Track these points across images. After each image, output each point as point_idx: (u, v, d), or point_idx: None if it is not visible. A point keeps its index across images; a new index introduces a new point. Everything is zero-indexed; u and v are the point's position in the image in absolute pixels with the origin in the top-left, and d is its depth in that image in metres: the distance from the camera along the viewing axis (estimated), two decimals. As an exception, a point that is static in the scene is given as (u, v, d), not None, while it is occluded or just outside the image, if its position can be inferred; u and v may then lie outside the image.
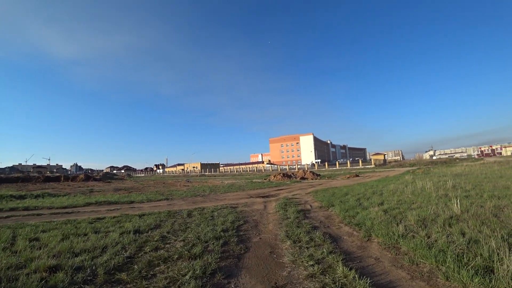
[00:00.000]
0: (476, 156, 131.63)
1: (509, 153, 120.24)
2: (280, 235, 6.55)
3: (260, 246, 5.91)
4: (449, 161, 70.47)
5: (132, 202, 14.90)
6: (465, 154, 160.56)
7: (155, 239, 6.34)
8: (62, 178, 49.51)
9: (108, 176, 70.32)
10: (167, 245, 5.92)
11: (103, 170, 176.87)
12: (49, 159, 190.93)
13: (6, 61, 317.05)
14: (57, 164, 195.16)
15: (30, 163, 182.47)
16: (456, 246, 4.71)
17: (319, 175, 36.97)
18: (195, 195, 17.79)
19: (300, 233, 6.42)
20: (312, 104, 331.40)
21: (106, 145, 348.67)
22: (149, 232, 7.04)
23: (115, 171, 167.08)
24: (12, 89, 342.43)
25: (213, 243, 5.90)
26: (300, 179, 32.43)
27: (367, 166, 70.67)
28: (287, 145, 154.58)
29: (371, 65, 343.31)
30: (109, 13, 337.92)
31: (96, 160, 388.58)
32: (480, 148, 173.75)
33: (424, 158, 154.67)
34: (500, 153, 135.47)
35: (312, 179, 32.66)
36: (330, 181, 26.66)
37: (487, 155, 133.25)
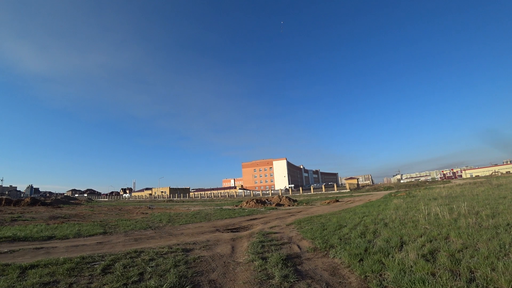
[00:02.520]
0: (439, 178, 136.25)
1: (468, 175, 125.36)
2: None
3: None
4: (420, 184, 70.68)
5: (51, 237, 10.90)
6: (430, 177, 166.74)
7: None
8: (3, 202, 43.00)
9: (61, 201, 62.89)
10: None
11: (63, 193, 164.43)
12: (1, 180, 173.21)
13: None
14: (10, 186, 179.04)
15: None
16: None
17: (295, 200, 33.89)
18: (146, 227, 13.89)
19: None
20: (285, 130, 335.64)
21: (70, 167, 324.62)
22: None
23: (76, 195, 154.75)
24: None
25: None
26: (275, 205, 29.10)
27: (342, 191, 68.97)
28: (260, 170, 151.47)
29: (339, 94, 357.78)
30: (85, 31, 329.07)
31: (58, 183, 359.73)
32: (442, 171, 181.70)
33: (392, 181, 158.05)
34: (461, 175, 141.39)
35: (289, 205, 29.43)
36: (310, 208, 23.55)
37: (449, 177, 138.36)
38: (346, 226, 10.37)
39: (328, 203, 28.77)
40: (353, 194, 48.89)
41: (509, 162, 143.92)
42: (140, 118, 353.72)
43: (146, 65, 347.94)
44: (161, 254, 7.19)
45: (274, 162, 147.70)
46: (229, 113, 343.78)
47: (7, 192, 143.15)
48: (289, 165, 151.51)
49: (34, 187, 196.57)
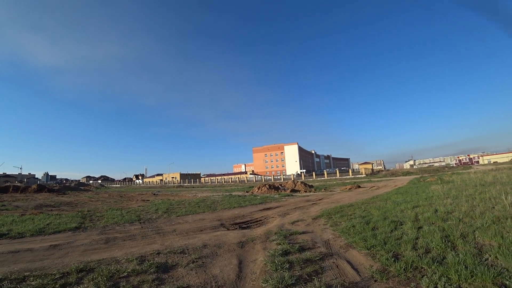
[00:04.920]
0: (454, 165, 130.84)
1: (485, 162, 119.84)
2: None
3: None
4: (439, 169, 66.53)
5: (2, 235, 8.20)
6: (444, 163, 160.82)
7: None
8: (11, 189, 42.04)
9: (71, 187, 62.05)
10: None
11: (79, 180, 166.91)
12: (20, 168, 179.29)
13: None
14: (29, 174, 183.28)
15: (0, 171, 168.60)
16: None
17: (312, 186, 30.84)
18: (135, 219, 11.11)
19: None
20: (296, 115, 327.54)
21: (85, 154, 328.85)
22: None
23: (91, 181, 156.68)
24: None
25: None
26: (290, 191, 26.13)
27: (357, 176, 65.48)
28: (271, 155, 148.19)
29: (351, 79, 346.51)
30: (95, 22, 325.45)
31: (75, 170, 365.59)
32: (458, 157, 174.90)
33: (405, 167, 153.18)
34: (478, 161, 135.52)
35: (305, 191, 26.41)
36: (331, 195, 20.46)
37: (465, 163, 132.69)
38: (402, 223, 7.26)
39: (350, 189, 25.63)
40: (371, 180, 45.50)
41: None
42: (151, 106, 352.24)
43: (156, 53, 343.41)
44: (118, 277, 4.29)
45: (286, 147, 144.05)
46: (239, 99, 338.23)
47: (25, 180, 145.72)
48: (301, 150, 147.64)
49: (51, 174, 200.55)
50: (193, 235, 7.70)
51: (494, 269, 3.79)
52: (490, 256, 4.41)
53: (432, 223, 6.98)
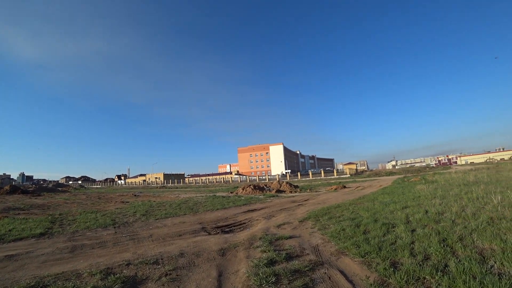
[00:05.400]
0: (434, 165, 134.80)
1: (463, 162, 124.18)
2: None
3: None
4: (421, 170, 67.98)
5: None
6: (424, 164, 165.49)
7: None
8: None
9: (47, 188, 59.19)
10: None
11: (58, 181, 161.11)
12: None
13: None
14: (4, 174, 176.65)
15: None
16: None
17: (297, 186, 30.51)
18: (110, 223, 10.30)
19: None
20: (282, 115, 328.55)
21: (66, 154, 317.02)
22: None
23: (70, 182, 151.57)
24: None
25: None
26: (275, 192, 25.66)
27: (342, 176, 65.95)
28: (257, 155, 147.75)
29: (336, 80, 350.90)
30: (80, 17, 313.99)
31: (53, 170, 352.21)
32: (437, 158, 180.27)
33: (387, 167, 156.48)
34: (456, 162, 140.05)
35: (291, 192, 26.02)
36: (317, 195, 20.12)
37: (445, 164, 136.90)
38: (394, 225, 6.88)
39: (335, 189, 25.43)
40: (356, 180, 45.76)
41: (501, 150, 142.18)
42: (137, 104, 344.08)
43: (143, 51, 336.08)
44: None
45: (271, 147, 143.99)
46: (226, 98, 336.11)
47: (0, 180, 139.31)
48: (286, 150, 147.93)
49: (27, 175, 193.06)
50: (171, 241, 7.04)
51: (506, 279, 3.38)
52: (495, 262, 4.02)
53: (425, 225, 6.62)
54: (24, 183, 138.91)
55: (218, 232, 8.01)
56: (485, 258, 4.25)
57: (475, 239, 5.11)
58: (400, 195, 14.04)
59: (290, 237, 6.59)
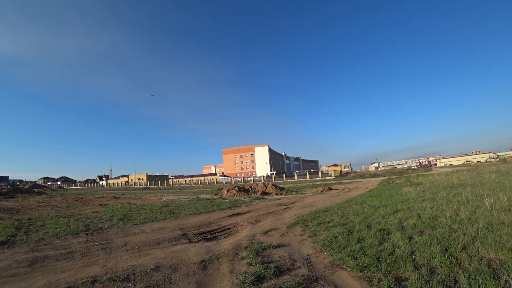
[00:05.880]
0: (415, 167, 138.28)
1: (442, 165, 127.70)
2: None
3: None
4: (403, 171, 69.14)
5: None
6: (406, 166, 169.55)
7: None
8: None
9: (21, 190, 56.26)
10: None
11: (35, 181, 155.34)
12: None
13: None
14: None
15: None
16: None
17: (283, 188, 30.09)
18: (82, 229, 9.47)
19: None
20: (267, 116, 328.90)
21: (44, 154, 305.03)
22: None
23: (49, 183, 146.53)
24: None
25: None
26: (261, 194, 25.12)
27: (327, 178, 66.15)
28: (242, 156, 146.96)
29: (320, 81, 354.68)
30: (60, 11, 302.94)
31: (31, 171, 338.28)
32: (418, 160, 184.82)
33: (370, 169, 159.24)
34: (436, 164, 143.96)
35: (277, 194, 25.56)
36: (303, 198, 19.70)
37: (425, 166, 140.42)
38: (389, 232, 6.45)
39: (322, 191, 25.14)
40: (341, 181, 45.87)
41: (478, 152, 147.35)
42: (119, 103, 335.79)
43: (126, 50, 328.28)
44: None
45: (256, 149, 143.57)
46: (211, 99, 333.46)
47: None
48: (271, 151, 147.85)
49: (2, 175, 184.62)
50: (147, 250, 6.36)
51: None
52: (508, 277, 3.61)
53: (421, 232, 6.23)
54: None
55: (200, 240, 7.37)
56: (496, 271, 3.84)
57: (479, 248, 4.71)
58: (388, 198, 13.79)
59: (279, 246, 6.05)
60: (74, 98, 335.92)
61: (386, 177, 43.80)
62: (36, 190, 61.30)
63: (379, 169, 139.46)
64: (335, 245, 5.67)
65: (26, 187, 76.53)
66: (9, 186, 77.02)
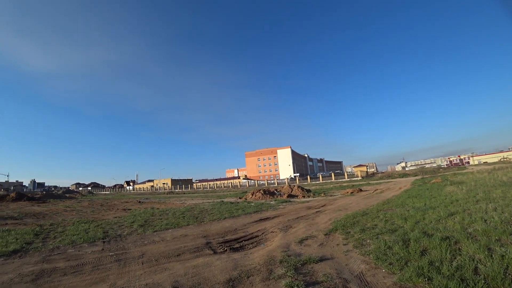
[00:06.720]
0: (445, 165, 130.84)
1: (476, 162, 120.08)
2: None
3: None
4: (435, 170, 65.23)
5: None
6: (435, 164, 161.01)
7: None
8: None
9: (54, 195, 58.59)
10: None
11: (68, 187, 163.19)
12: (7, 175, 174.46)
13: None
14: (16, 181, 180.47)
15: None
16: None
17: (309, 190, 28.73)
18: (100, 236, 8.84)
19: None
20: (288, 118, 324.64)
21: (76, 161, 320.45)
22: None
23: (80, 188, 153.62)
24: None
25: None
26: (286, 196, 23.99)
27: (353, 179, 63.67)
28: (264, 159, 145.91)
29: (340, 83, 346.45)
30: (86, 27, 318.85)
31: (64, 177, 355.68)
32: (448, 158, 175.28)
33: (396, 169, 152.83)
34: (469, 162, 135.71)
35: (304, 196, 24.31)
36: (333, 200, 18.38)
37: (456, 164, 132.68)
38: (457, 241, 5.21)
39: (352, 192, 23.64)
40: (370, 182, 43.71)
41: None
42: (142, 111, 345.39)
43: (147, 58, 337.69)
44: None
45: (278, 151, 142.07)
46: (231, 103, 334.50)
47: (12, 187, 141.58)
48: (294, 153, 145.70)
49: (39, 181, 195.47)
50: (165, 264, 5.49)
51: None
52: None
53: (499, 240, 4.97)
54: (34, 190, 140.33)
55: (226, 250, 6.43)
56: None
57: None
58: (432, 199, 12.32)
59: (321, 260, 4.97)
60: (100, 107, 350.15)
61: (419, 177, 41.18)
62: (67, 195, 63.55)
63: (406, 168, 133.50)
64: (393, 259, 4.52)
65: (59, 192, 79.75)
66: (43, 192, 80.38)
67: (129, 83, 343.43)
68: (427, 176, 41.97)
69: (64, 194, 68.24)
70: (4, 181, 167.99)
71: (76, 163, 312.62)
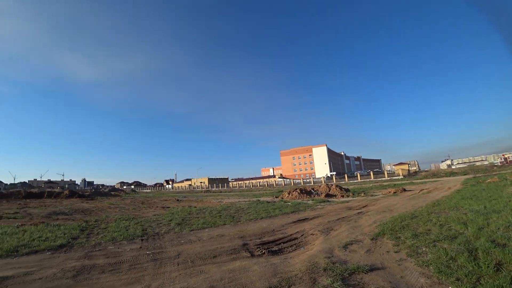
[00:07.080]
0: (499, 163, 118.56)
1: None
2: None
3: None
4: (489, 169, 59.61)
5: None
6: (486, 162, 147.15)
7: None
8: (45, 195, 44.19)
9: (101, 193, 62.80)
10: None
11: (114, 185, 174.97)
12: (63, 175, 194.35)
13: (32, 85, 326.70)
14: (70, 180, 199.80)
15: (45, 178, 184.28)
16: None
17: (348, 190, 27.53)
18: (139, 234, 8.97)
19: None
20: (323, 116, 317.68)
21: (120, 161, 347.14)
22: None
23: (124, 187, 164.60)
24: (38, 109, 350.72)
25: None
26: (324, 196, 23.13)
27: (394, 178, 60.33)
28: (299, 158, 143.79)
29: (376, 79, 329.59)
30: (127, 37, 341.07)
31: (110, 176, 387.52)
32: (503, 155, 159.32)
33: (441, 167, 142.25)
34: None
35: (342, 196, 23.31)
36: (375, 200, 17.30)
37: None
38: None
39: (395, 192, 22.20)
40: (413, 182, 41.02)
41: None
42: (180, 113, 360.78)
43: (183, 63, 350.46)
44: None
45: (314, 149, 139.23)
46: (265, 103, 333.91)
47: (66, 186, 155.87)
48: (330, 151, 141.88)
49: (88, 180, 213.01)
50: (201, 266, 5.27)
51: None
52: None
53: None
54: (85, 188, 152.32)
55: (264, 253, 6.08)
56: None
57: None
58: (492, 201, 11.02)
59: (371, 270, 4.40)
60: (142, 112, 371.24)
61: (470, 176, 37.85)
62: (112, 193, 67.78)
63: (452, 166, 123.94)
64: (460, 273, 3.85)
65: (106, 190, 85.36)
66: (92, 190, 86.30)
67: (167, 87, 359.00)
68: (479, 175, 38.43)
69: (110, 192, 72.86)
70: (60, 180, 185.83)
71: (122, 163, 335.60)
